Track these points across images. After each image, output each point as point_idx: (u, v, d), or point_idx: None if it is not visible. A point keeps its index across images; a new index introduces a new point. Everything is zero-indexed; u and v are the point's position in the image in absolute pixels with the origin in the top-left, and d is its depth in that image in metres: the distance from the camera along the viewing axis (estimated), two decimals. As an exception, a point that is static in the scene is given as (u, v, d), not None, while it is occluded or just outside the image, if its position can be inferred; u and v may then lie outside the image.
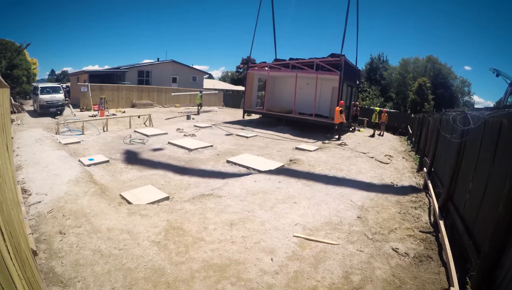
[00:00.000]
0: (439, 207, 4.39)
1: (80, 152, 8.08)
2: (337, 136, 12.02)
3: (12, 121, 11.53)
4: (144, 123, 13.45)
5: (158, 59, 29.35)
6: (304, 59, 14.68)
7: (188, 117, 16.30)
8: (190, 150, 8.81)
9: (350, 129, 14.98)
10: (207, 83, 34.50)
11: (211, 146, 9.50)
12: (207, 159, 7.98)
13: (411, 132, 14.62)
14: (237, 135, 11.91)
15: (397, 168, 7.97)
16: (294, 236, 3.75)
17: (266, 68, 16.09)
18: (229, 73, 55.86)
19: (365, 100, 28.51)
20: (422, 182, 6.51)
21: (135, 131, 11.75)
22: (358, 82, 18.87)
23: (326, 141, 11.22)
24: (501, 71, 17.39)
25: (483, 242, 2.68)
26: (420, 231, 4.09)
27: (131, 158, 7.81)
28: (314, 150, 9.56)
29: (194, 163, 7.61)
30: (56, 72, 72.66)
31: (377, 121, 14.44)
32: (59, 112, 15.51)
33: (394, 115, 19.70)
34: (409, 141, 14.03)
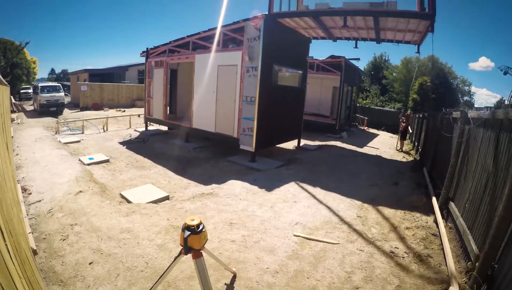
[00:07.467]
0: (439, 207, 4.40)
1: (80, 151, 8.08)
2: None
3: (12, 120, 11.53)
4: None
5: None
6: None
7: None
8: (191, 148, 8.81)
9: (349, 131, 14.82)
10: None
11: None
12: (207, 159, 7.98)
13: (411, 131, 14.60)
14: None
15: (397, 167, 7.97)
16: (294, 235, 3.75)
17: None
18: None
19: (365, 99, 28.59)
20: (422, 181, 6.51)
21: (135, 130, 11.75)
22: (358, 82, 18.84)
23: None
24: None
25: (483, 241, 2.68)
26: (420, 231, 4.08)
27: (131, 157, 7.81)
28: (314, 149, 9.56)
29: (195, 162, 7.61)
30: (56, 72, 72.75)
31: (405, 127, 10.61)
32: (59, 112, 15.55)
33: (393, 114, 19.70)
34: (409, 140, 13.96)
